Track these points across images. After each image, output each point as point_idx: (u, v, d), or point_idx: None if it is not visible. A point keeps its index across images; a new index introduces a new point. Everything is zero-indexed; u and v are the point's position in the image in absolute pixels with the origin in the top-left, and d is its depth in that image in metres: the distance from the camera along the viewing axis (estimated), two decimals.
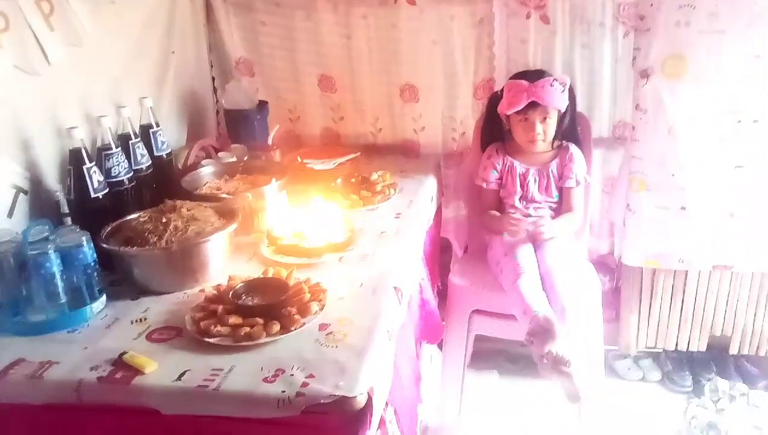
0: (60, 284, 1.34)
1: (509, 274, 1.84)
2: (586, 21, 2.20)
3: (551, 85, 1.94)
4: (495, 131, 2.13)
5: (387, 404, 1.29)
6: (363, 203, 1.93)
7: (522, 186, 2.06)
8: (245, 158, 2.05)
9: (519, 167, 2.07)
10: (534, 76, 2.00)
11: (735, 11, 1.97)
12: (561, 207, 2.07)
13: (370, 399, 1.12)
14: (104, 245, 1.43)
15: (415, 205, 1.96)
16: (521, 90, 1.97)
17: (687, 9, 2.00)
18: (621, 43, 2.21)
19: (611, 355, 2.44)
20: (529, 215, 2.02)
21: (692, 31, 2.01)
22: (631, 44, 2.17)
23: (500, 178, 2.09)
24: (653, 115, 2.11)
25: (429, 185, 2.15)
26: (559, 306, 1.75)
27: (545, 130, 1.99)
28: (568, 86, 1.98)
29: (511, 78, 2.06)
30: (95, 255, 1.39)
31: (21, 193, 1.50)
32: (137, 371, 1.16)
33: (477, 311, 1.99)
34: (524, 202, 2.07)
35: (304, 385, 1.10)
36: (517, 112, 1.99)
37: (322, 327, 1.28)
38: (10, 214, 1.47)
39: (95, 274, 1.39)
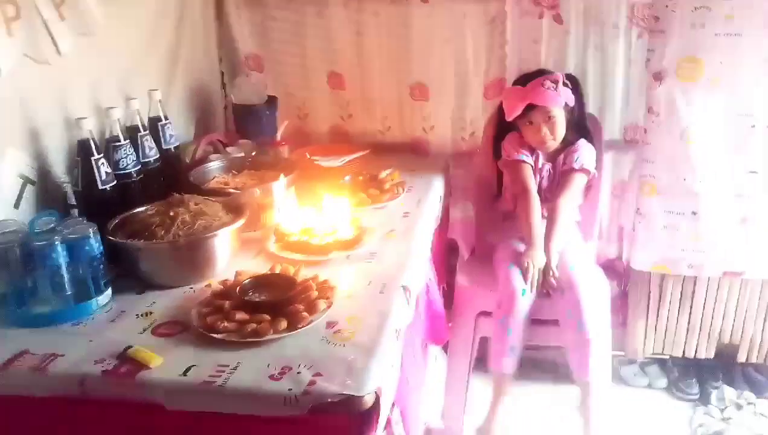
0: (66, 276, 1.32)
1: (505, 290, 1.84)
2: (599, 22, 2.18)
3: (542, 85, 1.93)
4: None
5: (393, 405, 1.28)
6: (371, 201, 1.91)
7: (540, 181, 2.04)
8: (253, 154, 2.04)
9: (540, 159, 2.04)
10: (529, 78, 1.99)
11: (751, 14, 1.95)
12: (559, 191, 2.00)
13: (377, 399, 1.10)
14: (111, 238, 1.41)
15: (423, 205, 1.94)
16: (516, 96, 1.98)
17: (702, 11, 1.98)
18: (634, 44, 2.18)
19: (617, 361, 2.42)
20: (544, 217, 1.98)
21: (708, 34, 1.99)
22: (644, 46, 2.15)
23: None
24: (666, 118, 2.09)
25: (437, 185, 2.13)
26: (578, 316, 1.76)
27: (552, 129, 1.98)
28: (561, 82, 1.95)
29: (512, 84, 2.06)
30: (102, 247, 1.38)
31: (28, 184, 1.49)
32: (142, 365, 1.14)
33: (483, 313, 1.98)
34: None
35: (311, 383, 1.09)
36: (521, 117, 1.98)
37: (330, 325, 1.26)
38: (17, 205, 1.46)
39: (101, 266, 1.37)
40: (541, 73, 2.00)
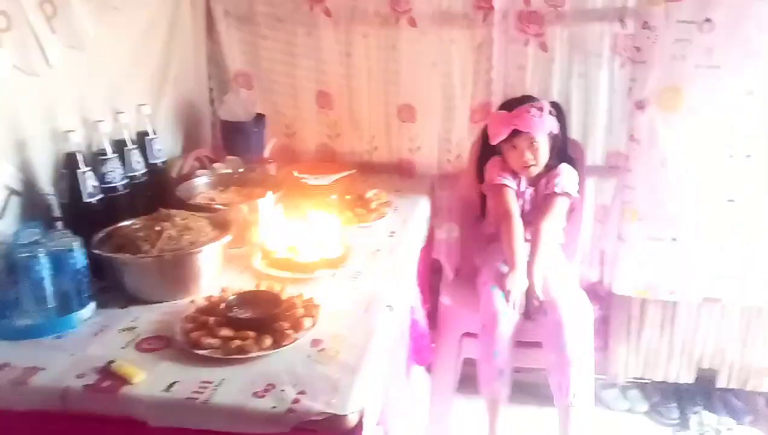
0: (49, 289, 1.31)
1: (487, 311, 1.85)
2: (584, 51, 2.22)
3: (528, 112, 1.97)
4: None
5: (378, 424, 1.28)
6: (358, 220, 1.92)
7: (522, 206, 2.07)
8: (240, 170, 2.04)
9: (522, 184, 2.08)
10: (515, 104, 2.03)
11: (730, 47, 2.00)
12: (541, 214, 2.02)
13: (361, 418, 1.10)
14: (96, 251, 1.41)
15: (409, 225, 1.95)
16: (501, 121, 2.02)
17: (684, 43, 2.03)
18: (617, 73, 2.23)
19: (599, 384, 2.43)
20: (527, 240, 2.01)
21: (688, 65, 2.04)
22: (627, 75, 2.19)
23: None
24: (647, 145, 2.13)
25: (423, 205, 2.15)
26: (560, 337, 1.78)
27: (535, 154, 2.01)
28: (547, 110, 1.99)
29: (497, 109, 2.09)
30: (86, 261, 1.37)
31: (13, 195, 1.48)
32: (125, 380, 1.14)
33: (467, 334, 1.98)
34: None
35: (295, 401, 1.09)
36: (505, 141, 2.02)
37: (315, 343, 1.26)
38: (1, 216, 1.45)
39: (85, 280, 1.36)
40: (526, 100, 2.04)
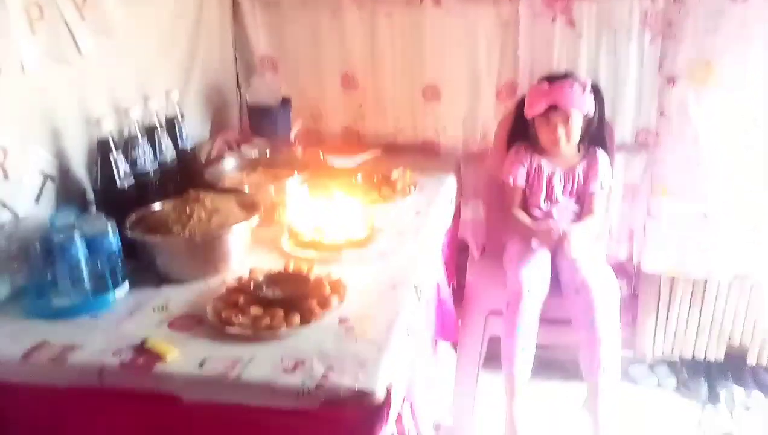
0: (84, 270, 1.35)
1: (512, 289, 1.87)
2: (612, 26, 2.18)
3: (570, 88, 1.95)
4: (522, 134, 2.13)
5: (404, 400, 1.30)
6: (383, 201, 1.93)
7: (548, 187, 2.07)
8: (267, 153, 2.06)
9: (546, 168, 2.07)
10: (557, 78, 2.01)
11: (762, 19, 1.95)
12: (582, 210, 2.07)
13: (389, 394, 1.12)
14: (129, 233, 1.45)
15: (435, 204, 1.96)
16: (541, 93, 1.99)
17: (715, 15, 1.98)
18: (647, 48, 2.18)
19: (627, 361, 2.43)
20: (552, 217, 2.01)
21: (719, 38, 2.00)
22: (657, 50, 2.15)
23: (527, 177, 2.09)
24: (678, 121, 2.11)
25: (449, 184, 2.15)
26: (591, 316, 1.79)
27: (567, 132, 2.00)
28: (588, 89, 1.98)
29: (537, 81, 2.07)
30: (119, 243, 1.41)
31: (49, 180, 1.52)
32: (159, 358, 1.17)
33: (493, 312, 1.99)
34: (548, 203, 2.07)
35: (324, 377, 1.11)
36: (540, 115, 2.00)
37: (342, 321, 1.29)
38: (38, 201, 1.49)
39: (119, 261, 1.40)
40: (565, 76, 2.02)
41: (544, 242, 1.95)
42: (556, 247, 1.94)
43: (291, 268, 1.47)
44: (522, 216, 2.08)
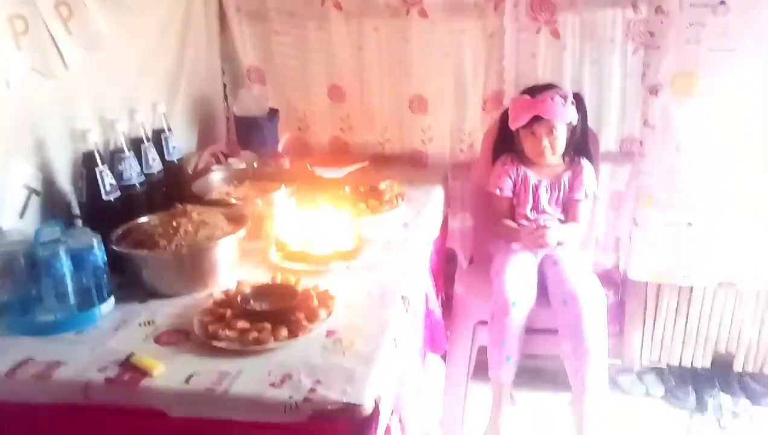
0: (70, 285, 1.34)
1: (498, 300, 1.87)
2: (596, 37, 2.21)
3: (552, 99, 1.97)
4: (507, 145, 2.15)
5: (392, 412, 1.30)
6: (371, 212, 1.93)
7: (534, 197, 2.08)
8: (255, 165, 2.06)
9: (532, 178, 2.08)
10: (539, 90, 2.03)
11: (745, 30, 1.98)
12: (567, 219, 2.09)
13: (377, 406, 1.12)
14: (115, 247, 1.44)
15: (422, 215, 1.96)
16: (524, 106, 2.02)
17: (697, 27, 2.01)
18: (630, 59, 2.22)
19: (614, 370, 2.44)
20: (539, 226, 2.03)
21: (702, 49, 2.02)
22: (640, 61, 2.18)
23: (513, 187, 2.11)
24: (661, 131, 2.12)
25: (436, 195, 2.16)
26: (579, 326, 1.80)
27: (552, 143, 2.02)
28: (570, 99, 2.00)
29: (519, 93, 2.08)
30: (105, 257, 1.40)
31: (33, 194, 1.51)
32: (145, 373, 1.16)
33: (481, 322, 2.00)
34: (535, 213, 2.09)
35: (312, 390, 1.11)
36: (524, 127, 2.02)
37: (330, 334, 1.28)
38: (22, 215, 1.48)
39: (105, 276, 1.39)
40: (550, 87, 2.04)
41: (528, 245, 1.97)
42: (539, 250, 1.97)
43: (278, 280, 1.47)
44: (509, 222, 2.09)
